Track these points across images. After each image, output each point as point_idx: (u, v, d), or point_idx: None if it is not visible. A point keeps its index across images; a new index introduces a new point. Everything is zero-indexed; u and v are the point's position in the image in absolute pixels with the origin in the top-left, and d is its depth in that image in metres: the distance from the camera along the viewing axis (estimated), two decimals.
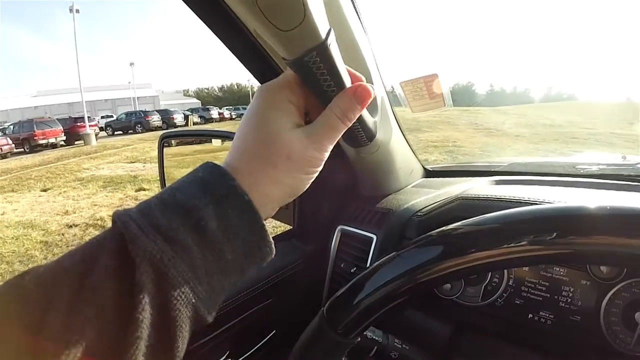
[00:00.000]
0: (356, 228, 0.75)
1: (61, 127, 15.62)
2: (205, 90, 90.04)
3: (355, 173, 0.75)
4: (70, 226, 4.45)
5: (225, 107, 37.22)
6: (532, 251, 0.31)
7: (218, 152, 1.15)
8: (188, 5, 0.41)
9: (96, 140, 15.63)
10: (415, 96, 0.69)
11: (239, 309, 0.68)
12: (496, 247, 0.31)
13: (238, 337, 0.70)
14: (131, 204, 5.35)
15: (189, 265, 0.24)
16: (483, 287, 0.63)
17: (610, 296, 0.54)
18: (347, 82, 0.34)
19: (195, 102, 56.49)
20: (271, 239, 0.28)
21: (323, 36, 0.29)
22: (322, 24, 0.28)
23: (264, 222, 0.27)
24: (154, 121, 20.84)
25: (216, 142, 1.06)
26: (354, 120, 0.32)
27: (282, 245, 0.84)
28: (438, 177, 0.93)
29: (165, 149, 1.04)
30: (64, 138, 15.62)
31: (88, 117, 17.81)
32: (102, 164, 9.22)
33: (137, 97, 44.99)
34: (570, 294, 0.57)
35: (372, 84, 0.62)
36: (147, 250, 0.23)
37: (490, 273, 0.62)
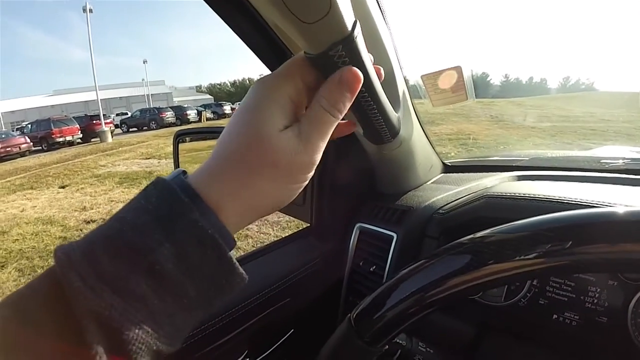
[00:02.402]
0: (375, 226, 0.73)
1: (77, 125, 15.93)
2: (218, 86, 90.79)
3: (373, 170, 0.73)
4: (88, 222, 4.56)
5: (237, 102, 37.42)
6: (570, 259, 0.28)
7: None
8: (205, 1, 0.40)
9: (112, 137, 15.89)
10: (437, 89, 0.67)
11: (257, 309, 0.67)
12: (535, 255, 0.29)
13: (256, 336, 0.69)
14: None
15: (145, 313, 0.21)
16: (506, 287, 0.61)
17: (638, 297, 0.51)
18: (374, 78, 0.32)
19: (208, 98, 57.00)
20: (241, 269, 0.24)
21: (349, 28, 0.27)
22: (348, 15, 0.26)
23: (231, 249, 0.24)
24: (168, 118, 21.09)
25: None
26: (345, 112, 0.28)
27: (299, 244, 0.83)
28: (457, 172, 0.90)
29: (180, 145, 1.04)
30: (81, 136, 15.92)
31: (103, 114, 18.11)
32: (117, 160, 9.38)
33: (151, 94, 45.65)
34: (597, 295, 0.54)
35: (395, 77, 0.60)
36: (94, 310, 0.20)
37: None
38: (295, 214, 0.87)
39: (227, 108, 28.76)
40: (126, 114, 27.73)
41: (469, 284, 0.30)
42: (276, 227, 3.82)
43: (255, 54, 0.46)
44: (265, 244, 0.86)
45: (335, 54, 0.27)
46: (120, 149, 11.90)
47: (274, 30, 0.40)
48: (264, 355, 0.71)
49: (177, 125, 20.88)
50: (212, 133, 1.04)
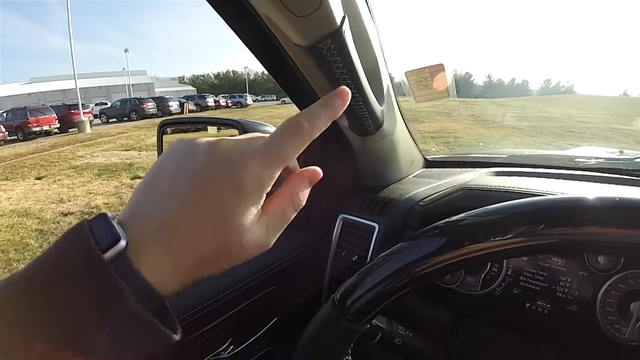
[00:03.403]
0: (358, 217, 0.75)
1: (55, 115, 15.35)
2: (201, 78, 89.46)
3: (357, 163, 0.75)
4: (66, 214, 4.44)
5: (221, 95, 37.01)
6: (546, 239, 0.31)
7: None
8: None
9: (90, 127, 15.45)
10: (420, 86, 0.69)
11: (241, 297, 0.69)
12: (506, 236, 0.32)
13: (240, 324, 0.71)
14: (127, 192, 5.32)
15: None
16: (482, 277, 0.64)
17: (606, 287, 0.54)
18: (360, 71, 0.34)
19: (191, 90, 56.09)
20: (174, 336, 0.23)
21: (338, 23, 0.28)
22: (337, 10, 0.28)
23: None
24: (149, 109, 20.67)
25: (212, 130, 1.04)
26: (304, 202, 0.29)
27: (283, 235, 0.84)
28: (438, 167, 0.93)
29: (163, 137, 1.03)
30: (58, 125, 15.37)
31: (82, 104, 17.52)
32: (96, 151, 9.15)
33: (132, 84, 44.57)
34: (568, 284, 0.57)
35: (380, 72, 0.62)
36: None
37: (489, 262, 0.63)
38: None
39: (210, 100, 28.34)
40: (106, 104, 27.03)
41: (444, 263, 0.33)
42: None
43: (246, 45, 0.47)
44: None
45: (325, 46, 0.29)
46: (99, 139, 11.61)
47: (266, 22, 0.41)
48: (247, 343, 0.73)
49: (158, 117, 20.49)
50: (197, 123, 1.04)
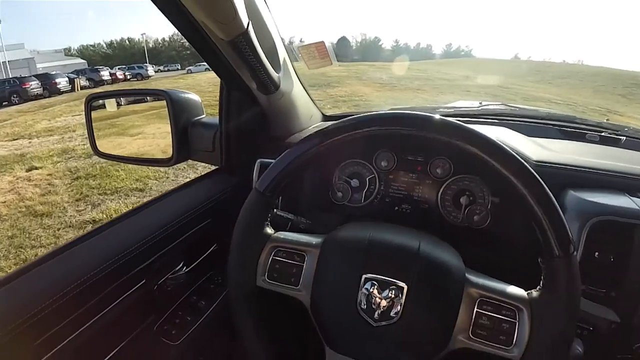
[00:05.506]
0: (271, 159, 0.94)
1: None
2: (92, 48, 79.14)
3: (267, 117, 0.97)
4: None
5: (117, 67, 33.31)
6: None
7: (115, 119, 1.13)
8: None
9: None
10: (310, 57, 0.93)
11: (184, 228, 0.86)
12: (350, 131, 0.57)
13: (189, 250, 0.89)
14: (24, 185, 4.89)
15: None
16: (364, 192, 0.90)
17: (443, 188, 0.82)
18: (260, 52, 0.57)
19: (81, 63, 49.55)
20: None
21: (245, 27, 0.50)
22: (244, 19, 0.50)
23: None
24: (33, 89, 18.06)
25: (110, 108, 1.05)
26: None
27: (213, 180, 1.03)
28: (333, 120, 1.19)
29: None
30: None
31: None
32: None
33: (8, 61, 37.91)
34: (420, 190, 0.84)
35: (277, 49, 0.83)
36: None
37: (368, 182, 0.89)
38: (206, 159, 1.04)
39: (104, 73, 25.43)
40: None
41: (317, 149, 0.57)
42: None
43: (185, 37, 0.63)
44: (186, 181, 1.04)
45: (239, 41, 0.51)
46: None
47: (200, 24, 0.58)
48: (196, 263, 0.92)
49: (44, 97, 18.05)
50: (125, 95, 1.11)
